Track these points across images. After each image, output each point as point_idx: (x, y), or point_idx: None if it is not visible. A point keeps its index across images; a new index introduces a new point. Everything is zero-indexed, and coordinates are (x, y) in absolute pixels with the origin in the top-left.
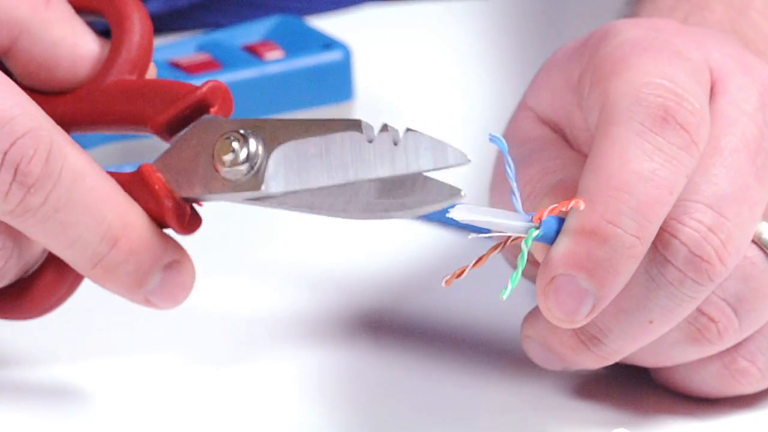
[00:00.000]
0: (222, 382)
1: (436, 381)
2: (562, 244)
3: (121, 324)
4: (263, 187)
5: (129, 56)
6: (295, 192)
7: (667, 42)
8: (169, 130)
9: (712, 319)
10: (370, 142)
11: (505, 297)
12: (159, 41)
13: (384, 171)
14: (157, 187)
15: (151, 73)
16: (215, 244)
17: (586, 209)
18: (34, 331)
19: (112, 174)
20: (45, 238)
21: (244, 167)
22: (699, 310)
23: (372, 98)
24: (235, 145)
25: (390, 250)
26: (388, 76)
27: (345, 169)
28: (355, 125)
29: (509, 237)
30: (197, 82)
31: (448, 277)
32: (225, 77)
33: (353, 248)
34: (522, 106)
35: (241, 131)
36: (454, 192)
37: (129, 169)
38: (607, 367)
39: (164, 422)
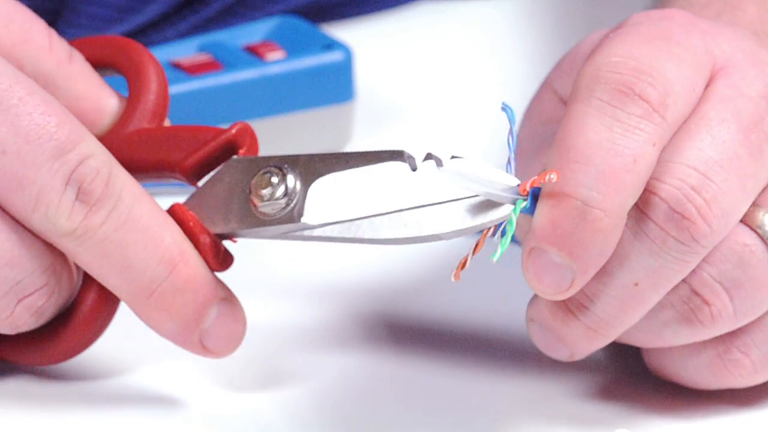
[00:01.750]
0: (228, 390)
1: (437, 381)
2: (535, 218)
3: (129, 337)
4: (302, 219)
5: (147, 107)
6: (333, 224)
7: (666, 29)
8: (198, 173)
9: (706, 302)
10: (414, 170)
11: (495, 259)
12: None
13: (428, 199)
14: (191, 223)
15: (167, 125)
16: None
17: (549, 184)
18: None
19: None
20: (101, 262)
21: (282, 201)
22: (693, 291)
23: (373, 99)
24: (274, 179)
25: (392, 251)
26: (389, 77)
27: (387, 199)
28: (397, 155)
29: (494, 227)
30: (198, 82)
31: (455, 271)
32: (226, 78)
33: (356, 251)
34: (546, 87)
35: (280, 166)
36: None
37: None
38: (607, 367)
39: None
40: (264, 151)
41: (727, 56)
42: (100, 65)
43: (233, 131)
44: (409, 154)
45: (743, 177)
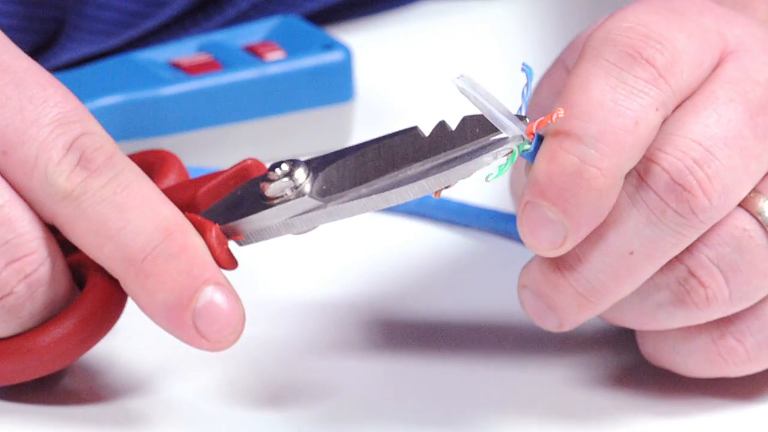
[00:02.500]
0: (227, 394)
1: (437, 381)
2: (533, 170)
3: (126, 346)
4: (310, 195)
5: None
6: (342, 196)
7: (679, 6)
8: (210, 199)
9: (702, 283)
10: (428, 136)
11: (490, 179)
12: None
13: (443, 157)
14: (198, 217)
15: None
16: None
17: (550, 138)
18: None
19: None
20: (97, 225)
21: (292, 182)
22: (690, 272)
23: (373, 99)
24: (285, 167)
25: (393, 251)
26: (389, 77)
27: (401, 163)
28: (412, 128)
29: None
30: (198, 82)
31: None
32: (225, 78)
33: (356, 251)
34: (559, 63)
35: (292, 159)
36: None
37: None
38: (607, 367)
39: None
40: (264, 150)
41: (738, 40)
42: None
43: (248, 162)
44: (421, 129)
45: (746, 157)
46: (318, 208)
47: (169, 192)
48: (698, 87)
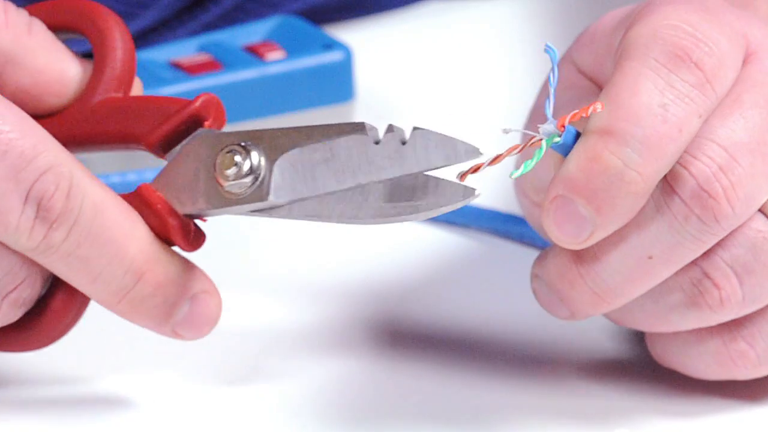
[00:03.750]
0: (229, 393)
1: (436, 381)
2: (569, 165)
3: (122, 340)
4: (270, 198)
5: (114, 74)
6: (302, 200)
7: (705, 7)
8: (164, 146)
9: (716, 285)
10: (377, 143)
11: (514, 176)
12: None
13: (394, 171)
14: (159, 206)
15: (137, 88)
16: (216, 255)
17: (593, 135)
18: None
19: None
20: (69, 274)
21: (248, 179)
22: (704, 273)
23: (373, 99)
24: (238, 158)
25: (393, 252)
26: (389, 77)
27: (353, 173)
28: (359, 128)
29: (529, 139)
30: (198, 82)
31: (464, 173)
32: (226, 78)
33: (356, 252)
34: (566, 59)
35: (243, 143)
36: (468, 193)
37: (131, 176)
38: (607, 367)
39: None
40: None
41: (758, 42)
42: (62, 29)
43: (198, 103)
44: (371, 125)
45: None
46: (279, 206)
47: (119, 117)
48: None
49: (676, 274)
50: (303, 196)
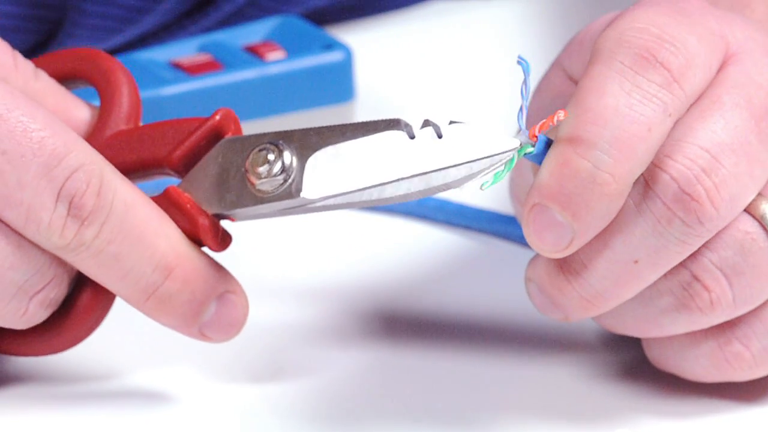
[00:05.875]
0: (229, 390)
1: (435, 380)
2: (541, 173)
3: (130, 336)
4: (302, 195)
5: (122, 111)
6: (334, 196)
7: (683, 9)
8: (187, 164)
9: (705, 287)
10: (412, 138)
11: (484, 188)
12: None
13: (431, 165)
14: (188, 206)
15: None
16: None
17: (562, 142)
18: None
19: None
20: (98, 271)
21: (280, 177)
22: (693, 276)
23: (373, 99)
24: (271, 156)
25: (393, 252)
26: (389, 77)
27: (389, 169)
28: (394, 124)
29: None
30: (198, 82)
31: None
32: (226, 78)
33: (356, 252)
34: (556, 66)
35: (275, 142)
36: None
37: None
38: (607, 367)
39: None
40: None
41: (739, 43)
42: (67, 78)
43: (217, 118)
44: (406, 122)
45: (752, 163)
46: (312, 203)
47: (135, 145)
48: (704, 90)
49: (665, 277)
50: (335, 193)
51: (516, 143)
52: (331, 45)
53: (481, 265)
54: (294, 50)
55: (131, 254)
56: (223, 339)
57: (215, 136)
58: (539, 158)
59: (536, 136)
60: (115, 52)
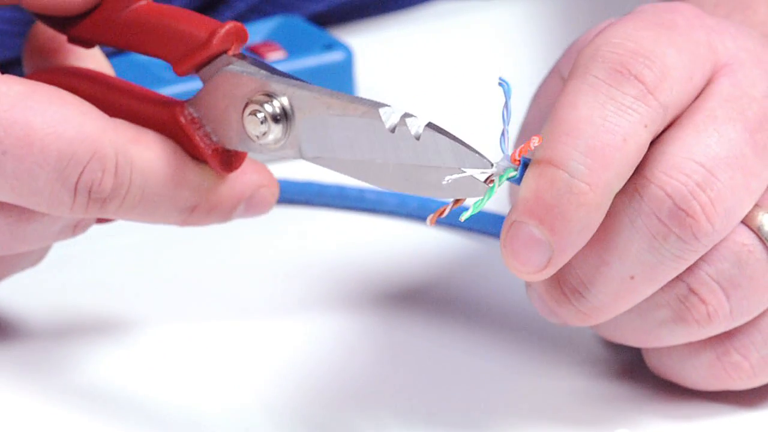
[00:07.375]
0: (227, 390)
1: (435, 380)
2: (520, 191)
3: (129, 336)
4: (302, 154)
5: None
6: (326, 158)
7: (670, 20)
8: (194, 72)
9: (702, 300)
10: (392, 131)
11: (462, 219)
12: None
13: (407, 158)
14: (196, 139)
15: None
16: (218, 246)
17: (538, 157)
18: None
19: (141, 92)
20: (128, 219)
21: (272, 138)
22: (690, 289)
23: (373, 99)
24: (264, 111)
25: (394, 253)
26: (389, 77)
27: (369, 150)
28: (374, 114)
29: (487, 178)
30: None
31: (432, 216)
32: None
33: (356, 252)
34: (554, 73)
35: (269, 94)
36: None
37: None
38: (607, 367)
39: (169, 411)
40: None
41: (730, 54)
42: None
43: (224, 31)
44: (387, 112)
45: (748, 176)
46: (302, 158)
47: (150, 38)
48: (691, 102)
49: (662, 290)
50: (326, 156)
51: (487, 170)
52: (331, 45)
53: (482, 266)
54: (294, 50)
55: (156, 209)
56: (254, 216)
57: (222, 51)
58: (520, 180)
59: (518, 160)
60: (118, 51)
